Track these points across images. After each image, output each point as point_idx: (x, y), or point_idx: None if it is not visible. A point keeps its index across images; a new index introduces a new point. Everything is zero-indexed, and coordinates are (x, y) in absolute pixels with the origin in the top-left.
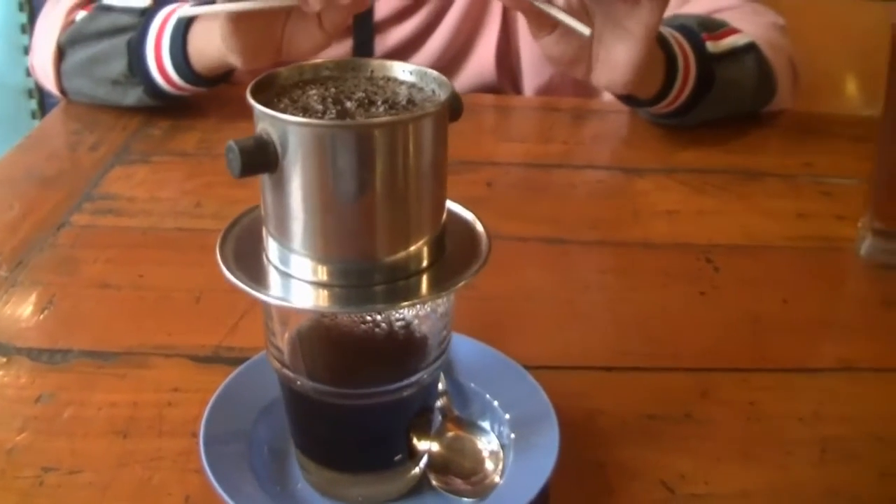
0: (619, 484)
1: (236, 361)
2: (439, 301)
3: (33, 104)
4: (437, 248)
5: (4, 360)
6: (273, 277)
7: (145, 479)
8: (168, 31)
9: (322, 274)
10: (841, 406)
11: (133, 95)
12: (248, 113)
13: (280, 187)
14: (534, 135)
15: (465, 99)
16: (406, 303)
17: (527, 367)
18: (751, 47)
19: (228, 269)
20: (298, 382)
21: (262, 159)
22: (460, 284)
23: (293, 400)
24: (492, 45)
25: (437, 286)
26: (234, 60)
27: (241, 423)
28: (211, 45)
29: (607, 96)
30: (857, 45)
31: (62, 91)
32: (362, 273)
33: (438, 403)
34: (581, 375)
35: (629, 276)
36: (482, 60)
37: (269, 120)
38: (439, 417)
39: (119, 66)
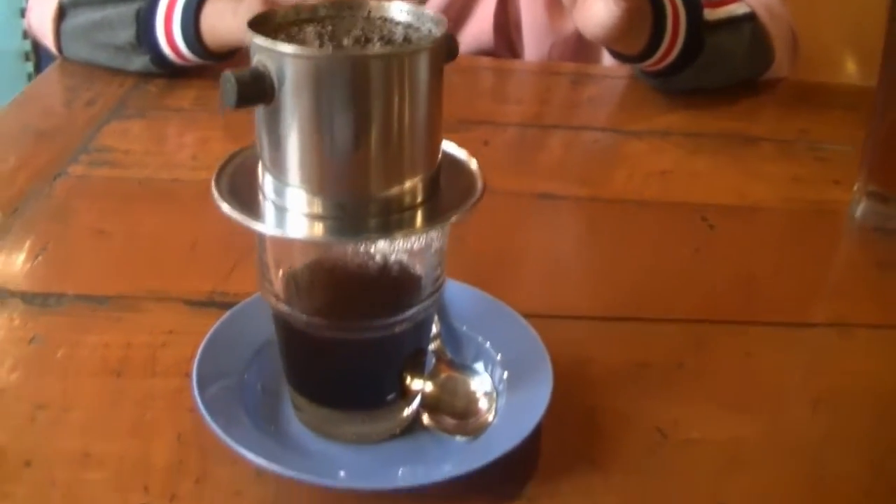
0: (612, 429)
1: (231, 306)
2: (433, 236)
3: (29, 67)
4: (432, 185)
5: None
6: (268, 210)
7: (137, 416)
8: (179, 5)
9: (317, 206)
10: (835, 361)
11: (138, 63)
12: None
13: (275, 120)
14: (531, 97)
15: (463, 60)
16: (400, 233)
17: (520, 315)
18: (749, 17)
19: (224, 200)
20: (293, 317)
21: (258, 90)
22: (454, 217)
23: (287, 336)
24: (489, 12)
25: (432, 219)
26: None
27: (234, 363)
28: (224, 24)
29: (607, 62)
30: (855, 19)
31: (59, 50)
32: (357, 206)
33: (432, 346)
34: (573, 325)
35: (623, 232)
36: (481, 25)
37: (265, 52)
38: (433, 360)
39: (125, 34)
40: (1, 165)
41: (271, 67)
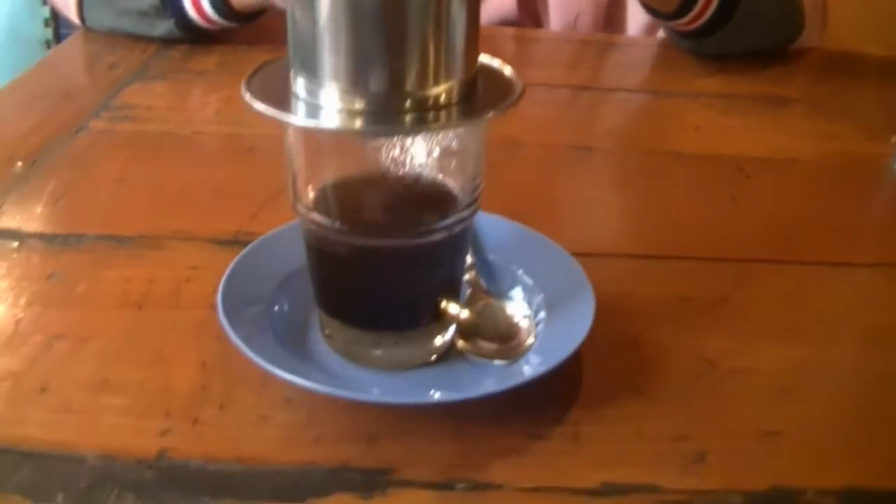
0: (657, 359)
1: None
2: (470, 138)
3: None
4: (469, 87)
5: (16, 244)
6: (301, 108)
7: (159, 346)
8: None
9: (351, 102)
10: (881, 299)
11: (162, 28)
12: (267, 37)
13: (310, 12)
14: (559, 63)
15: (486, 31)
16: (436, 125)
17: None
18: None
19: (256, 100)
20: (325, 228)
21: None
22: (492, 113)
23: (319, 251)
24: None
25: (468, 116)
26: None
27: (261, 290)
28: None
29: (632, 32)
30: None
31: (81, 19)
32: (392, 101)
33: (466, 277)
34: (611, 262)
35: (659, 180)
36: None
37: None
38: (468, 290)
39: None
40: (23, 121)
41: None
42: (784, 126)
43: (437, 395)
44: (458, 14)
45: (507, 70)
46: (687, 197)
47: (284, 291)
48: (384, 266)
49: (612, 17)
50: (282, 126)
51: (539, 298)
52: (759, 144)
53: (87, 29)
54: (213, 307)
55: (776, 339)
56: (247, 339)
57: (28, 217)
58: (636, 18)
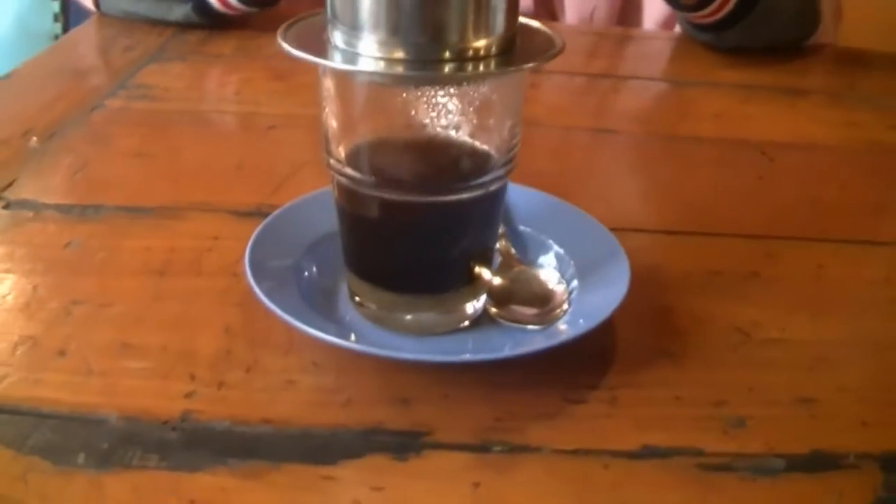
0: (691, 328)
1: None
2: (507, 93)
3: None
4: (509, 42)
5: (31, 214)
6: (338, 56)
7: (182, 312)
8: None
9: (389, 51)
10: None
11: (179, 12)
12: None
13: None
14: (577, 52)
15: None
16: (475, 73)
17: None
18: None
19: (292, 47)
20: (358, 185)
21: None
22: (532, 64)
23: (351, 210)
24: None
25: (509, 64)
26: None
27: (287, 256)
28: None
29: (648, 27)
30: None
31: (96, 4)
32: (431, 51)
33: (498, 245)
34: (640, 237)
35: (682, 162)
36: None
37: None
38: (499, 258)
39: None
40: (38, 98)
41: None
42: (804, 114)
43: (470, 357)
44: None
45: (546, 30)
46: (712, 177)
47: (311, 257)
48: (418, 225)
49: (627, 11)
50: (317, 76)
51: (571, 267)
52: (780, 130)
53: (102, 14)
54: (237, 275)
55: (807, 312)
56: (274, 299)
57: (44, 189)
58: (651, 13)
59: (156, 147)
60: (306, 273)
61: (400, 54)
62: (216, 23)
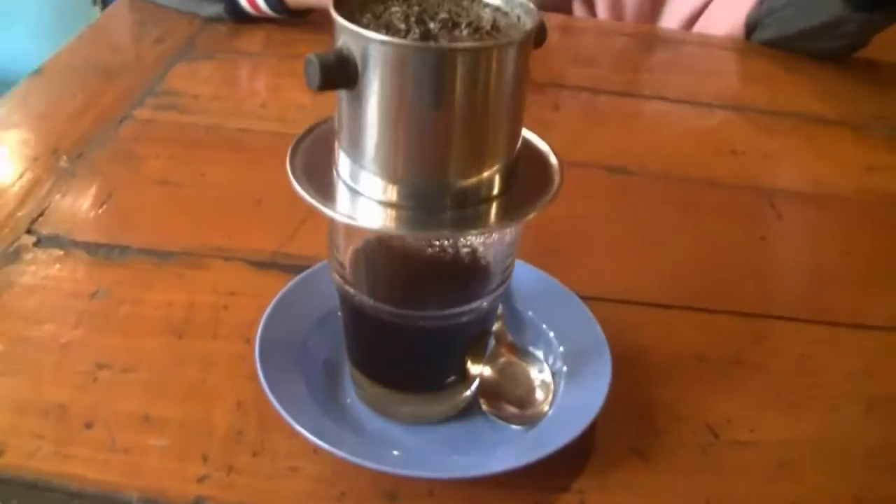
0: (665, 425)
1: (293, 269)
2: (507, 230)
3: (96, 11)
4: (510, 176)
5: (62, 253)
6: (342, 193)
7: (199, 381)
8: None
9: (392, 194)
10: (891, 365)
11: (210, 10)
12: (313, 16)
13: (357, 103)
14: (603, 59)
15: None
16: (475, 231)
17: (582, 298)
18: None
19: (298, 181)
20: (358, 300)
21: (342, 75)
22: (530, 216)
23: (351, 315)
24: None
25: (507, 215)
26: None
27: (297, 331)
28: None
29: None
30: None
31: None
32: (433, 196)
33: (494, 327)
34: (635, 310)
35: (691, 212)
36: None
37: (351, 35)
38: (493, 341)
39: None
40: (68, 104)
41: (356, 51)
42: (824, 153)
43: (454, 463)
44: (506, 107)
45: (545, 148)
46: (717, 235)
47: (320, 332)
48: (415, 338)
49: (657, 5)
50: None
51: (560, 358)
52: (796, 174)
53: None
54: (250, 342)
55: (781, 409)
56: (280, 392)
57: (73, 222)
58: (678, 11)
59: (180, 173)
60: (314, 351)
61: (401, 200)
62: (245, 21)
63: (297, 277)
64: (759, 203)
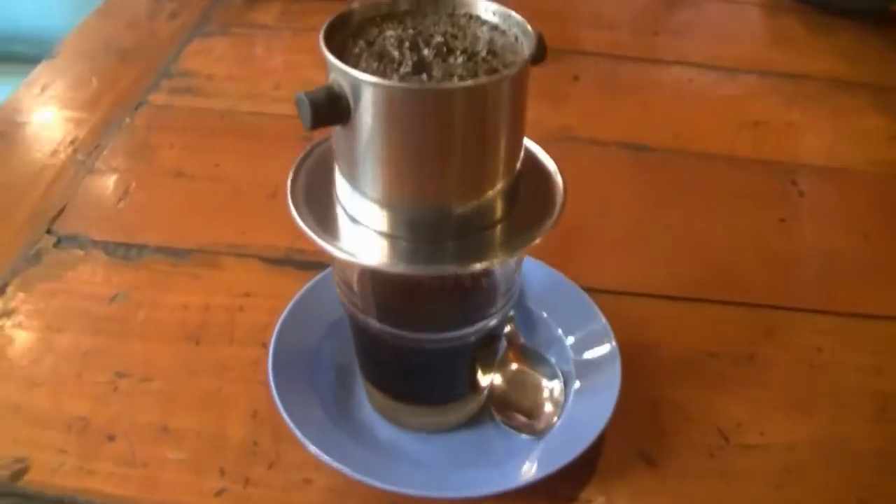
0: (674, 426)
1: (308, 265)
2: None
3: None
4: (511, 198)
5: (82, 253)
6: (343, 225)
7: (215, 389)
8: None
9: (392, 225)
10: None
11: None
12: None
13: (352, 135)
14: (624, 21)
15: None
16: (478, 265)
17: (592, 291)
18: None
19: (298, 210)
20: (363, 320)
21: (333, 112)
22: (534, 242)
23: (359, 333)
24: None
25: (510, 244)
26: None
27: (310, 339)
28: None
29: None
30: None
31: None
32: (433, 226)
33: (505, 330)
34: (645, 303)
35: (709, 193)
36: None
37: (341, 73)
38: (504, 344)
39: None
40: (85, 89)
41: (347, 88)
42: (847, 123)
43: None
44: (505, 133)
45: (556, 175)
46: (734, 218)
47: (334, 338)
48: (423, 357)
49: None
50: None
51: (571, 365)
52: (818, 148)
53: None
54: (265, 346)
55: (791, 409)
56: (292, 408)
57: (93, 220)
58: None
59: (195, 164)
60: (326, 357)
61: (402, 232)
62: None
63: (309, 283)
64: (781, 180)
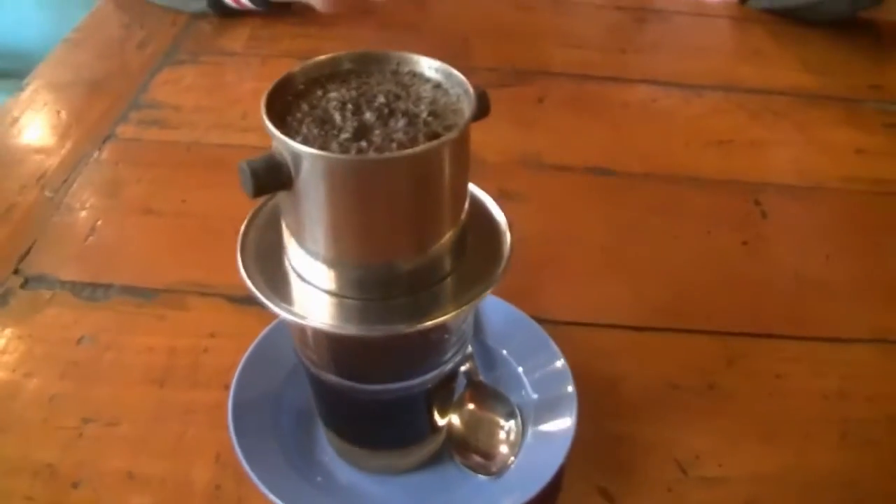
0: (633, 460)
1: None
2: None
3: None
4: (459, 249)
5: (49, 294)
6: (294, 284)
7: (179, 433)
8: None
9: (340, 285)
10: (867, 384)
11: (195, 6)
12: (297, 10)
13: (295, 201)
14: (591, 39)
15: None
16: (428, 323)
17: (556, 323)
18: None
19: (248, 272)
20: (322, 375)
21: (275, 180)
22: (483, 296)
23: (317, 386)
24: None
25: (459, 297)
26: (316, 4)
27: (271, 382)
28: None
29: None
30: None
31: None
32: (382, 285)
33: (463, 368)
34: (609, 335)
35: (674, 218)
36: None
37: (281, 142)
38: (463, 381)
39: None
40: (53, 120)
41: (288, 157)
42: (814, 137)
43: None
44: (447, 190)
45: (495, 211)
46: (699, 242)
47: (294, 381)
48: (379, 406)
49: None
50: None
51: (529, 404)
52: (784, 165)
53: None
54: (227, 388)
55: (752, 439)
56: (253, 458)
57: (60, 260)
58: None
59: (162, 199)
60: (287, 401)
61: (351, 291)
62: (229, 15)
63: (271, 325)
64: (744, 201)
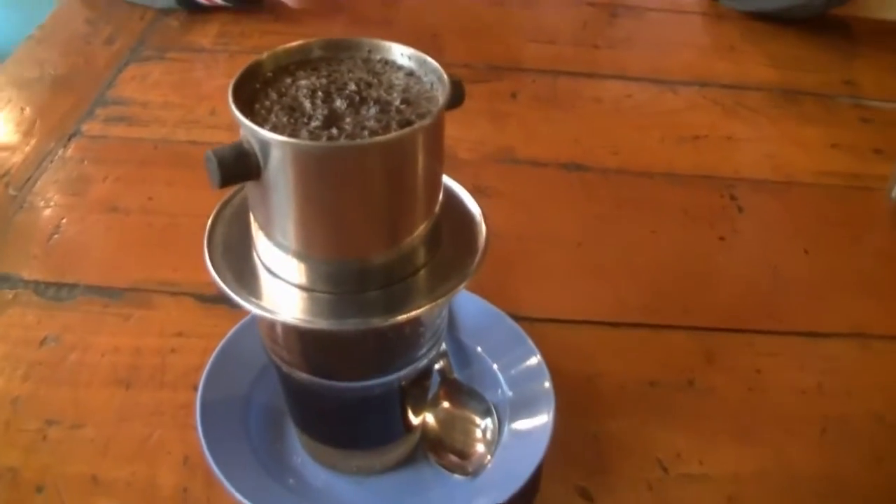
0: (613, 459)
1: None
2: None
3: None
4: (432, 242)
5: (11, 295)
6: (263, 278)
7: (145, 435)
8: None
9: (311, 279)
10: (846, 379)
11: (163, 2)
12: (267, 6)
13: (264, 192)
14: (565, 34)
15: None
16: (402, 316)
17: (533, 321)
18: None
19: (216, 268)
20: (292, 373)
21: (243, 169)
22: (458, 289)
23: (287, 384)
24: None
25: (433, 290)
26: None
27: (240, 382)
28: None
29: None
30: None
31: None
32: (353, 279)
33: (437, 366)
34: (585, 331)
35: (649, 213)
36: None
37: (249, 130)
38: (437, 379)
39: None
40: (18, 117)
41: (255, 145)
42: (789, 133)
43: None
44: (421, 179)
45: (469, 203)
46: (674, 238)
47: (263, 383)
48: (351, 404)
49: None
50: None
51: (505, 400)
52: (759, 161)
53: None
54: (195, 388)
55: (732, 436)
56: (223, 460)
57: (23, 259)
58: None
59: (129, 196)
60: (257, 402)
61: (323, 285)
62: (198, 11)
63: (239, 323)
64: (720, 196)
